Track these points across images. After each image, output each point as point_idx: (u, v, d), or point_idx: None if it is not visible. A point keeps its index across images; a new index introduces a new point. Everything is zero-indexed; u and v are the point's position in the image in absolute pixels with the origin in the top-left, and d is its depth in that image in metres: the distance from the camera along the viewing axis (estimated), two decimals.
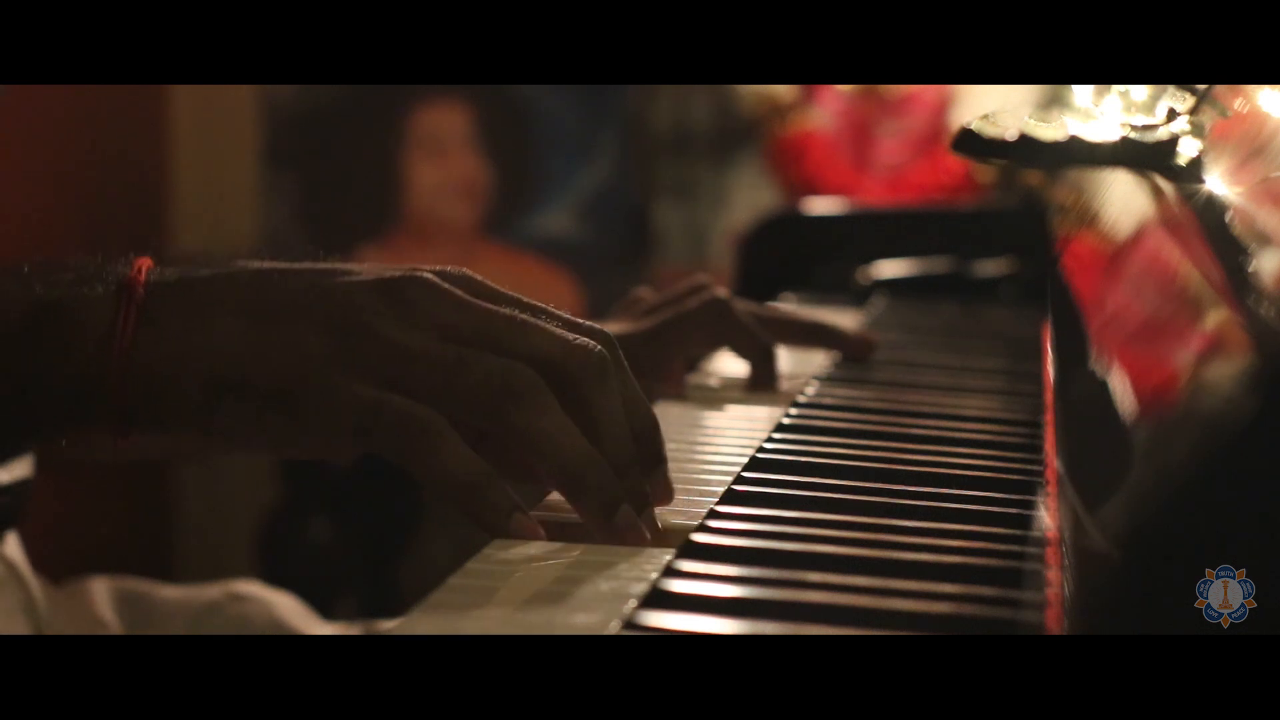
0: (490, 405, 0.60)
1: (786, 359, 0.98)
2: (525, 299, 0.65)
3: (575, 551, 0.59)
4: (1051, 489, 0.66)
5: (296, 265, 0.65)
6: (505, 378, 0.60)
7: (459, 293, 0.63)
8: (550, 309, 0.65)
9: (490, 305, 0.63)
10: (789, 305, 1.33)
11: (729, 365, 0.98)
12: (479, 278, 0.65)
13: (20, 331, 0.62)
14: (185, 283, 0.63)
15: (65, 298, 0.63)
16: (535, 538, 0.60)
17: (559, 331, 0.63)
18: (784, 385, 0.93)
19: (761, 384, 0.93)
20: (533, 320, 0.63)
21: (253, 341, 0.61)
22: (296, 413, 0.61)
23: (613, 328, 0.86)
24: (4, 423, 0.64)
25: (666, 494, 0.65)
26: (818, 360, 0.99)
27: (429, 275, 0.63)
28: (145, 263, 0.64)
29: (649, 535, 0.62)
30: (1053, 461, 0.69)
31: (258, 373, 0.61)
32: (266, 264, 0.65)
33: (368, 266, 0.64)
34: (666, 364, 0.93)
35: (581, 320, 0.65)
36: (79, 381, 0.62)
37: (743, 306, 0.94)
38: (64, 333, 0.62)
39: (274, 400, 0.61)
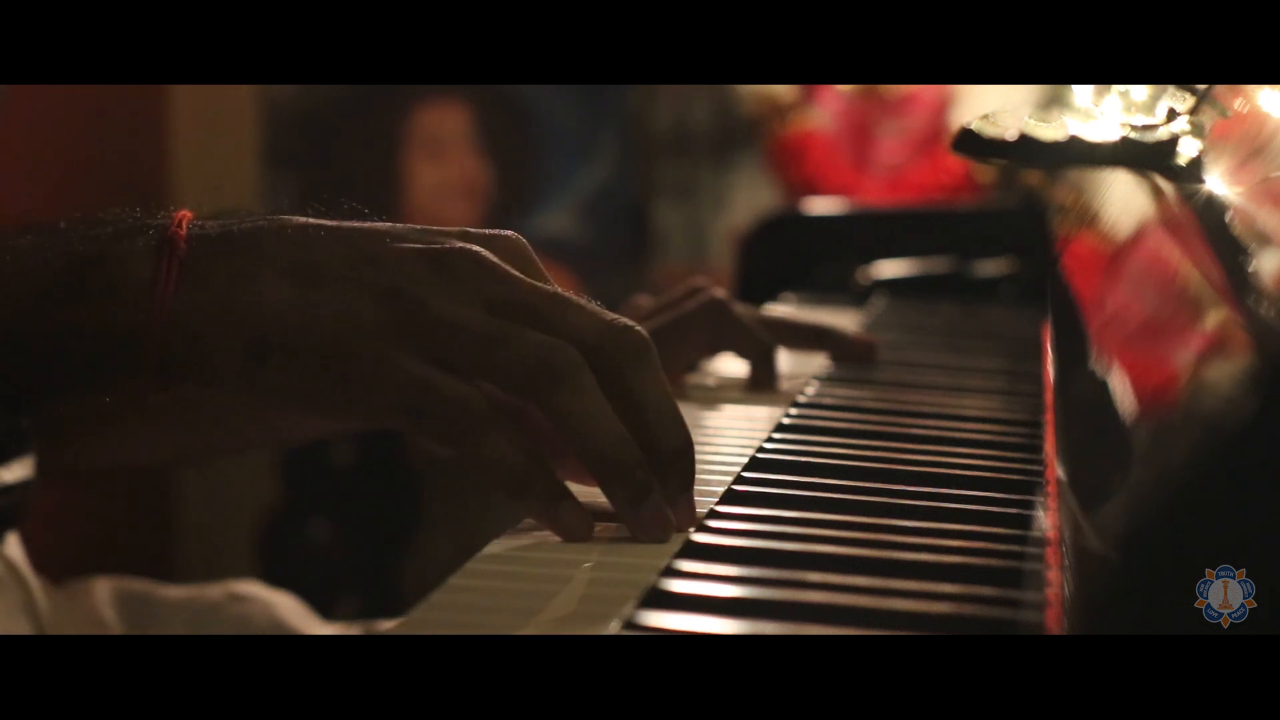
0: (531, 382, 0.60)
1: (786, 359, 0.98)
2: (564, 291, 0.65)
3: (575, 551, 0.59)
4: (1051, 489, 0.66)
5: (341, 224, 0.64)
6: (547, 356, 0.60)
7: (505, 267, 0.62)
8: (588, 299, 0.65)
9: (533, 282, 0.63)
10: (789, 306, 1.33)
11: (728, 366, 0.98)
12: (528, 249, 0.65)
13: (60, 286, 0.62)
14: (227, 236, 0.63)
15: (105, 251, 0.62)
16: (583, 531, 0.61)
17: (602, 312, 0.63)
18: (784, 385, 0.93)
19: (762, 385, 0.93)
20: (576, 300, 0.63)
21: (300, 302, 0.61)
22: (346, 379, 0.61)
23: None
24: (46, 375, 0.63)
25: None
26: (818, 360, 0.99)
27: (477, 249, 0.62)
28: (185, 215, 0.64)
29: (677, 528, 0.62)
30: (1053, 461, 0.69)
31: (305, 334, 0.61)
32: (310, 221, 0.65)
33: (412, 229, 0.64)
34: (666, 368, 0.93)
35: (622, 318, 0.65)
36: (120, 334, 0.61)
37: (742, 310, 0.94)
38: (105, 286, 0.62)
39: (323, 363, 0.61)
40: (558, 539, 0.61)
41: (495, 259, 0.63)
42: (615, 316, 0.63)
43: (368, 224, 0.65)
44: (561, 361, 0.60)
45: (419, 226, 0.65)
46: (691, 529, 0.62)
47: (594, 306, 0.63)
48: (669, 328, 0.91)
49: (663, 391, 0.63)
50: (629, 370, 0.62)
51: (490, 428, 0.60)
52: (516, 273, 0.63)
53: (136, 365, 0.62)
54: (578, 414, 0.60)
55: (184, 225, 0.63)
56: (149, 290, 0.61)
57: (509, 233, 0.65)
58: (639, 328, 0.63)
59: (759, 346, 0.93)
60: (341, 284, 0.61)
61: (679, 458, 0.63)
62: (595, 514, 0.62)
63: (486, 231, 0.65)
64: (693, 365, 0.98)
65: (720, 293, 0.93)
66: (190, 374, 0.62)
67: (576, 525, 0.61)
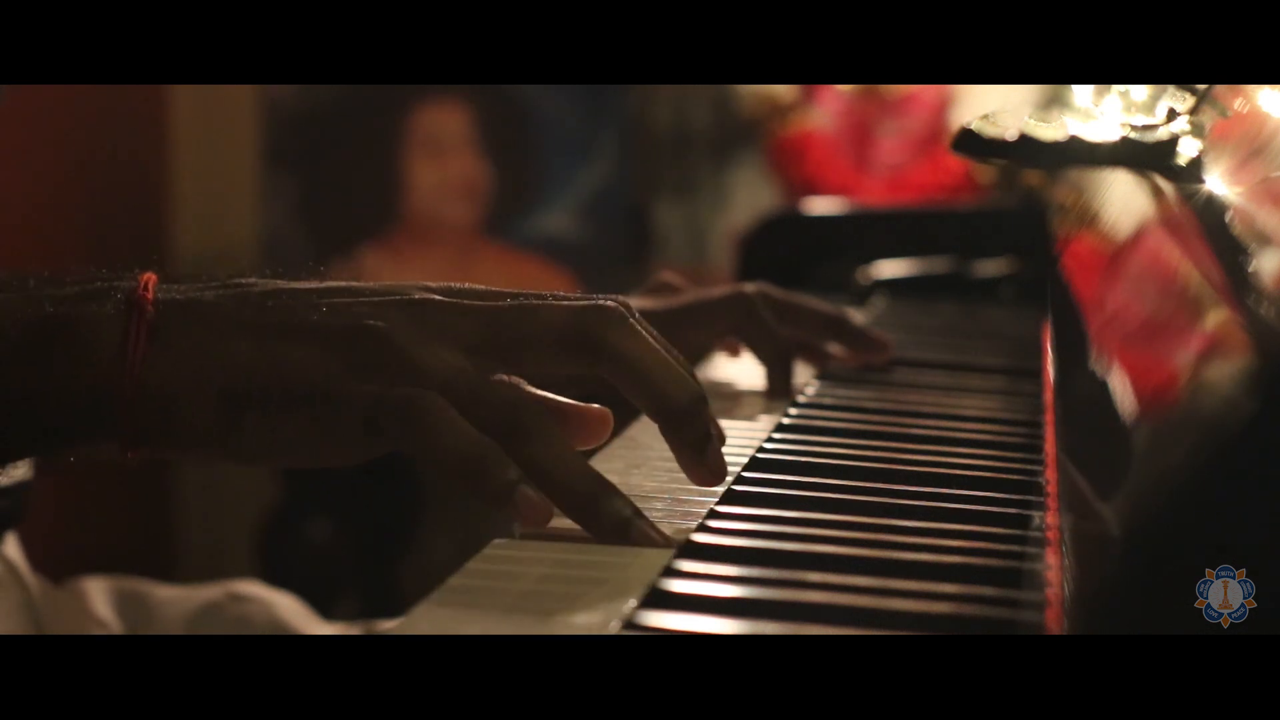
0: (499, 438, 0.61)
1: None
2: (528, 293, 0.66)
3: (575, 551, 0.59)
4: (1051, 489, 0.66)
5: (301, 285, 0.66)
6: (511, 413, 0.61)
7: (468, 301, 0.64)
8: (559, 293, 0.66)
9: (497, 305, 0.64)
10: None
11: (728, 368, 0.98)
12: (480, 288, 0.66)
13: (29, 348, 0.62)
14: (193, 301, 0.64)
15: (74, 314, 0.63)
16: (539, 514, 0.61)
17: (570, 300, 0.64)
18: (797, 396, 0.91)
19: (776, 393, 0.91)
20: (541, 302, 0.64)
21: (267, 356, 0.62)
22: (310, 421, 0.62)
23: (635, 304, 0.87)
24: (13, 438, 0.64)
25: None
26: (834, 346, 0.99)
27: (435, 297, 0.64)
28: (150, 278, 0.64)
29: (710, 482, 0.65)
30: (1053, 461, 0.69)
31: (273, 387, 0.62)
32: (271, 283, 0.66)
33: (377, 286, 0.65)
34: (683, 348, 0.92)
35: (589, 297, 0.66)
36: (90, 399, 0.62)
37: (765, 289, 0.93)
38: (75, 351, 0.62)
39: (289, 413, 0.62)
40: (557, 539, 0.61)
41: (451, 299, 0.64)
42: (585, 299, 0.64)
43: (332, 284, 0.66)
44: (522, 419, 0.61)
45: (382, 284, 0.66)
46: (723, 481, 0.65)
47: (561, 300, 0.64)
48: (693, 309, 0.91)
49: (653, 351, 0.64)
50: (612, 339, 0.63)
51: (440, 420, 0.60)
52: (481, 304, 0.64)
53: (108, 430, 0.63)
54: (546, 464, 0.61)
55: (150, 288, 0.64)
56: (119, 355, 0.62)
57: (467, 284, 0.66)
58: (610, 302, 0.64)
59: (778, 351, 0.92)
60: (302, 337, 0.63)
61: (689, 412, 0.64)
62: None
63: (440, 285, 0.66)
64: (698, 359, 0.98)
65: (750, 288, 0.93)
66: (162, 438, 0.63)
67: (535, 510, 0.61)
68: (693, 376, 0.65)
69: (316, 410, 0.62)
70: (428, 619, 0.52)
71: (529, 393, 0.63)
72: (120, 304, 0.63)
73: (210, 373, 0.62)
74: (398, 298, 0.64)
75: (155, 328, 0.63)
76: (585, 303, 0.64)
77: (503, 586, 0.55)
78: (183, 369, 0.62)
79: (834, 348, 1.00)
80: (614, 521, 0.61)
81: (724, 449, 0.73)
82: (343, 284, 0.65)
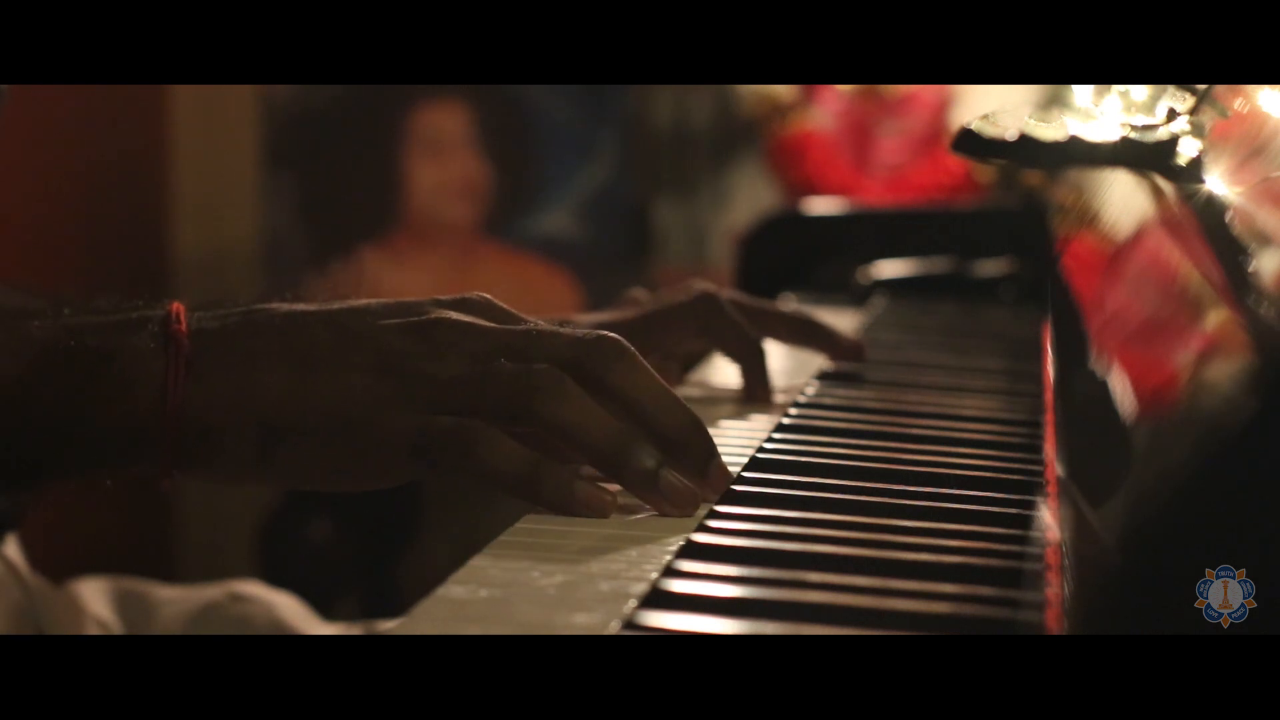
0: (520, 407, 0.65)
1: (786, 360, 0.97)
2: (539, 320, 0.70)
3: (575, 551, 0.59)
4: (1051, 489, 0.66)
5: (325, 307, 0.69)
6: (528, 379, 0.65)
7: (479, 322, 0.68)
8: (563, 322, 0.71)
9: (507, 328, 0.68)
10: (787, 303, 1.33)
11: (727, 371, 0.98)
12: (496, 302, 0.70)
13: (71, 380, 0.66)
14: (225, 331, 0.67)
15: (114, 347, 0.66)
16: (604, 505, 0.64)
17: (573, 332, 0.68)
18: (779, 398, 0.91)
19: (754, 394, 0.90)
20: (548, 329, 0.68)
21: (300, 388, 0.66)
22: (353, 451, 0.65)
23: (601, 318, 0.87)
24: (53, 464, 0.67)
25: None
26: (817, 360, 0.99)
27: (450, 314, 0.68)
28: (179, 309, 0.67)
29: (715, 493, 0.67)
30: (1053, 461, 0.69)
31: (309, 417, 0.65)
32: (296, 308, 0.69)
33: (388, 304, 0.69)
34: (652, 355, 0.92)
35: (593, 331, 0.69)
36: (131, 429, 0.65)
37: (731, 296, 0.92)
38: (115, 383, 0.66)
39: (329, 441, 0.65)
40: (557, 538, 0.61)
41: (468, 318, 0.68)
42: (586, 331, 0.68)
43: (349, 304, 0.69)
44: (542, 380, 0.65)
45: (394, 301, 0.69)
46: (726, 488, 0.68)
47: (566, 330, 0.68)
48: (658, 315, 0.91)
49: (651, 382, 0.67)
50: (612, 373, 0.67)
51: (489, 442, 0.64)
52: (489, 323, 0.68)
53: (148, 457, 0.66)
54: (568, 420, 0.65)
55: (182, 320, 0.67)
56: (159, 388, 0.65)
57: (475, 294, 0.70)
58: (611, 335, 0.68)
59: (748, 345, 0.91)
60: (335, 367, 0.66)
61: (689, 436, 0.67)
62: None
63: (454, 297, 0.70)
64: (687, 366, 0.97)
65: (712, 287, 0.92)
66: (203, 465, 0.66)
67: (596, 501, 0.64)
68: (680, 406, 0.68)
69: (353, 439, 0.65)
70: (428, 619, 0.52)
71: (537, 365, 0.66)
72: (157, 336, 0.66)
73: (248, 404, 0.66)
74: (415, 319, 0.67)
75: (191, 360, 0.66)
76: (589, 336, 0.67)
77: (503, 586, 0.55)
78: (220, 401, 0.66)
79: (819, 358, 0.99)
80: (642, 474, 0.65)
81: (726, 448, 0.73)
82: (360, 305, 0.69)
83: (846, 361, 0.98)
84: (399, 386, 0.66)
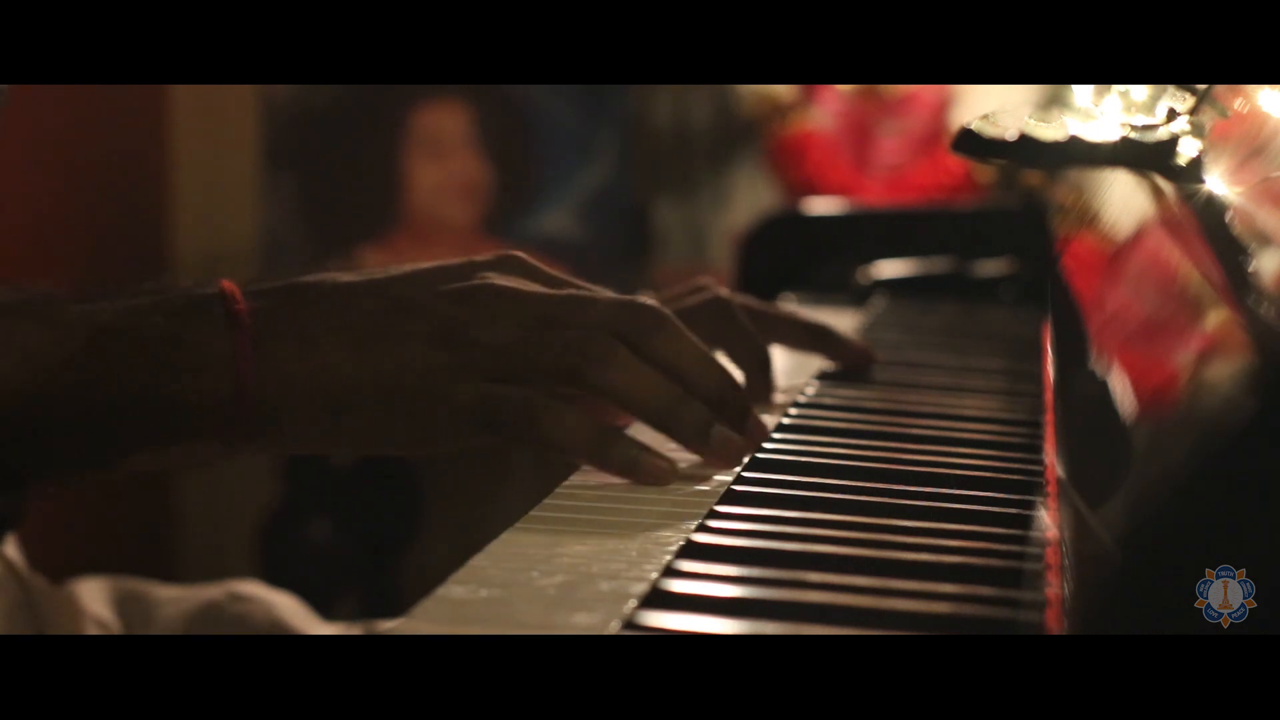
0: (573, 371, 0.69)
1: (786, 360, 0.97)
2: (573, 280, 0.74)
3: (575, 551, 0.59)
4: (1051, 489, 0.66)
5: (372, 278, 0.72)
6: (583, 345, 0.69)
7: (523, 285, 0.71)
8: (595, 288, 0.74)
9: (549, 292, 0.71)
10: (790, 307, 1.33)
11: (730, 371, 0.97)
12: (530, 260, 0.74)
13: (140, 360, 0.68)
14: (282, 307, 0.70)
15: (180, 330, 0.69)
16: (666, 475, 0.68)
17: (615, 298, 0.72)
18: (779, 398, 0.90)
19: (756, 396, 0.90)
20: (587, 294, 0.72)
21: (360, 360, 0.69)
22: (417, 418, 0.69)
23: None
24: (122, 443, 0.70)
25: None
26: (818, 360, 0.99)
27: (495, 279, 0.71)
28: (231, 287, 0.70)
29: (753, 444, 0.73)
30: (1053, 461, 0.69)
31: (371, 388, 0.69)
32: (342, 279, 0.72)
33: (431, 269, 0.72)
34: None
35: (632, 298, 0.74)
36: (205, 407, 0.68)
37: (743, 301, 0.92)
38: (183, 363, 0.68)
39: (393, 410, 0.69)
40: (557, 539, 0.61)
41: (512, 283, 0.71)
42: (627, 299, 0.72)
43: (392, 273, 0.72)
44: (593, 346, 0.69)
45: (433, 265, 0.72)
46: (763, 442, 0.74)
47: (606, 295, 0.72)
48: None
49: (688, 346, 0.71)
50: (653, 340, 0.70)
51: (556, 413, 0.68)
52: (532, 287, 0.71)
53: (220, 435, 0.69)
54: (623, 382, 0.69)
55: (239, 299, 0.70)
56: (230, 368, 0.68)
57: (511, 252, 0.74)
58: (649, 303, 0.72)
59: (756, 354, 0.91)
60: (389, 338, 0.69)
61: (725, 393, 0.72)
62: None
63: (490, 257, 0.73)
64: None
65: (725, 292, 0.92)
66: (274, 439, 0.70)
67: (658, 470, 0.69)
68: (715, 365, 0.73)
69: (414, 406, 0.69)
70: (428, 619, 0.52)
71: (589, 331, 0.70)
72: (219, 317, 0.69)
73: (308, 378, 0.69)
74: (462, 286, 0.70)
75: (254, 338, 0.69)
76: (629, 302, 0.71)
77: (503, 586, 0.55)
78: (283, 375, 0.69)
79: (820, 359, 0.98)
80: (694, 428, 0.70)
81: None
82: (404, 273, 0.72)
83: (857, 368, 0.97)
84: (454, 354, 0.69)
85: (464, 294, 0.70)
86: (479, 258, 0.73)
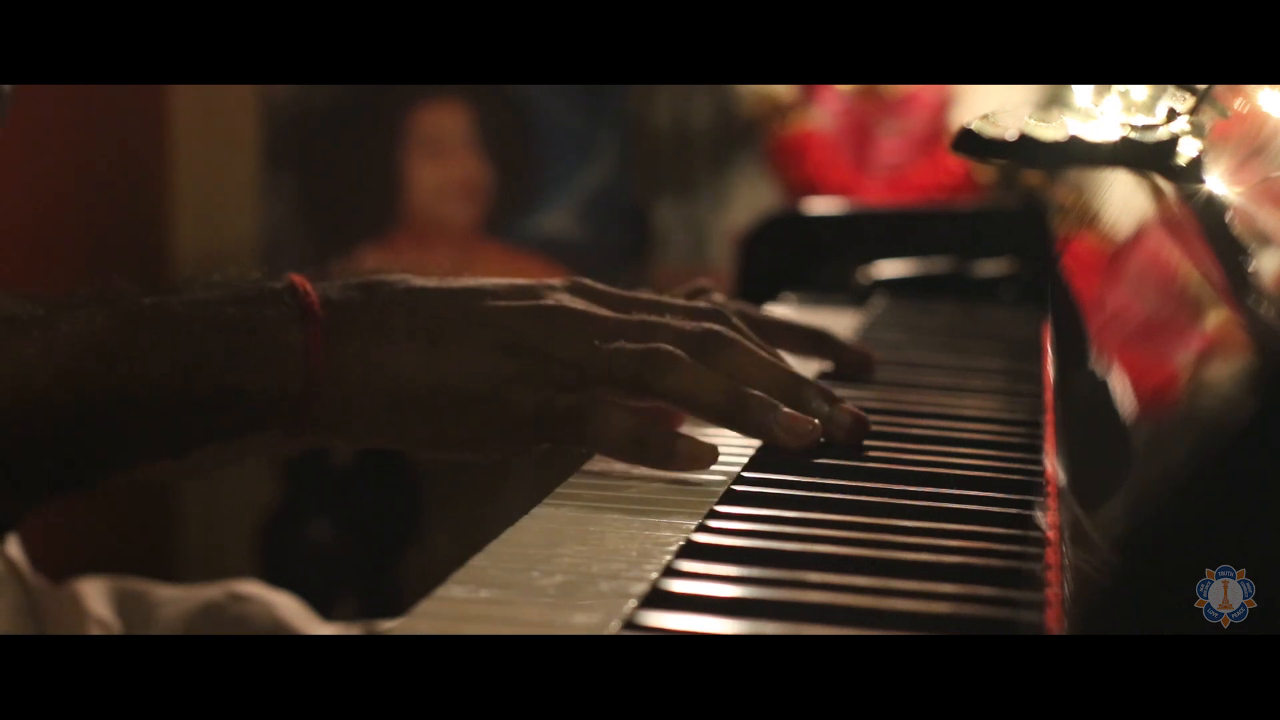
0: (641, 382, 0.71)
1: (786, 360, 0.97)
2: (639, 295, 0.77)
3: (576, 551, 0.59)
4: (1051, 489, 0.66)
5: (447, 285, 0.74)
6: (650, 356, 0.71)
7: (592, 309, 0.73)
8: (663, 299, 0.77)
9: (618, 315, 0.74)
10: (789, 306, 1.33)
11: None
12: (598, 285, 0.77)
13: (215, 350, 0.70)
14: (353, 303, 0.72)
15: (254, 320, 0.70)
16: (706, 456, 0.70)
17: (676, 324, 0.74)
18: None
19: None
20: (657, 320, 0.74)
21: (429, 363, 0.71)
22: (477, 420, 0.71)
23: None
24: (196, 430, 0.72)
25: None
26: (815, 363, 0.99)
27: (567, 301, 0.73)
28: (301, 280, 0.72)
29: (855, 433, 0.74)
30: (1053, 461, 0.69)
31: (440, 391, 0.71)
32: (415, 283, 0.74)
33: (503, 285, 0.74)
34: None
35: (692, 303, 0.77)
36: (277, 397, 0.70)
37: (739, 308, 0.92)
38: (261, 354, 0.70)
39: (459, 413, 0.71)
40: (556, 539, 0.61)
41: (581, 304, 0.73)
42: (694, 324, 0.74)
43: (468, 283, 0.75)
44: (658, 358, 0.71)
45: (507, 282, 0.75)
46: (864, 431, 0.75)
47: (673, 321, 0.74)
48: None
49: (755, 360, 0.74)
50: (719, 360, 0.73)
51: (600, 415, 0.70)
52: (601, 310, 0.74)
53: (285, 423, 0.71)
54: (685, 385, 0.71)
55: (311, 293, 0.71)
56: (302, 358, 0.70)
57: (579, 279, 0.76)
58: (715, 328, 0.74)
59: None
60: (462, 343, 0.71)
61: (801, 391, 0.74)
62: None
63: (566, 281, 0.75)
64: None
65: (720, 298, 0.92)
66: (339, 431, 0.72)
67: (699, 453, 0.70)
68: (784, 371, 0.75)
69: (480, 411, 0.71)
70: (428, 619, 0.52)
71: (655, 344, 0.72)
72: (292, 308, 0.71)
73: (378, 375, 0.70)
74: (537, 304, 0.73)
75: (326, 330, 0.70)
76: (696, 330, 0.73)
77: (503, 586, 0.55)
78: (353, 370, 0.70)
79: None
80: (759, 415, 0.72)
81: (724, 449, 0.73)
82: (479, 285, 0.74)
83: (857, 373, 0.96)
84: (524, 365, 0.71)
85: (536, 311, 0.72)
86: (551, 280, 0.75)
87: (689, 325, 0.74)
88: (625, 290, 0.79)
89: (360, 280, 0.74)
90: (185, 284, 0.73)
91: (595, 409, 0.70)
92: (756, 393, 0.72)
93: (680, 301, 0.78)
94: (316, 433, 0.71)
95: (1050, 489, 0.66)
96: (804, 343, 0.95)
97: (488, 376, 0.71)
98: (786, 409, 0.72)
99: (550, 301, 0.73)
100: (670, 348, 0.72)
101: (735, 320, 0.76)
